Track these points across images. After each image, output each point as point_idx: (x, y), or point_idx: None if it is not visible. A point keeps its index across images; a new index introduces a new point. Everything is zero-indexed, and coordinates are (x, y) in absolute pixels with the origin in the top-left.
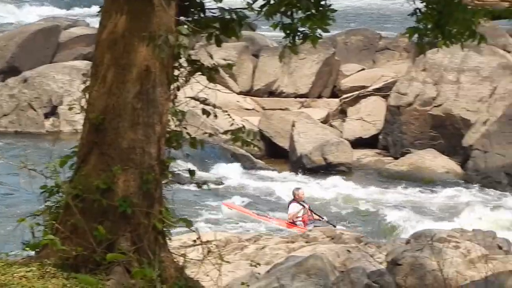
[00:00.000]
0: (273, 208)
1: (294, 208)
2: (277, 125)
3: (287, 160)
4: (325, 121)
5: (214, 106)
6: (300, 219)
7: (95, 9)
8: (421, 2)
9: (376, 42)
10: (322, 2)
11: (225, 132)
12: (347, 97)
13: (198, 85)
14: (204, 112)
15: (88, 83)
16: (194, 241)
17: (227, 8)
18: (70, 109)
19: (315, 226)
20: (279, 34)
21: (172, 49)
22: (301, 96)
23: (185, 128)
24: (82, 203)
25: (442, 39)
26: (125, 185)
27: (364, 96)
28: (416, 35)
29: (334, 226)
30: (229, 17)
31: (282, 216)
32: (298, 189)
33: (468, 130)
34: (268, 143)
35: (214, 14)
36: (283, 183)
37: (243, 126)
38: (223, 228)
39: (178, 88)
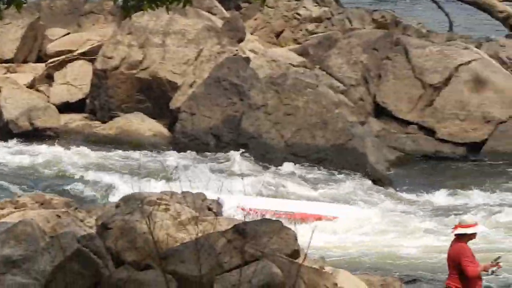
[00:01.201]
0: None
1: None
2: None
3: None
4: (31, 86)
5: None
6: None
7: None
8: None
9: (81, 6)
10: None
11: None
12: (53, 62)
13: None
14: None
15: None
16: None
17: None
18: None
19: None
20: None
21: None
22: (7, 61)
23: None
24: None
25: (147, 3)
26: None
27: (71, 61)
28: None
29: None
30: None
31: None
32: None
33: (175, 93)
34: None
35: None
36: None
37: None
38: None
39: None
